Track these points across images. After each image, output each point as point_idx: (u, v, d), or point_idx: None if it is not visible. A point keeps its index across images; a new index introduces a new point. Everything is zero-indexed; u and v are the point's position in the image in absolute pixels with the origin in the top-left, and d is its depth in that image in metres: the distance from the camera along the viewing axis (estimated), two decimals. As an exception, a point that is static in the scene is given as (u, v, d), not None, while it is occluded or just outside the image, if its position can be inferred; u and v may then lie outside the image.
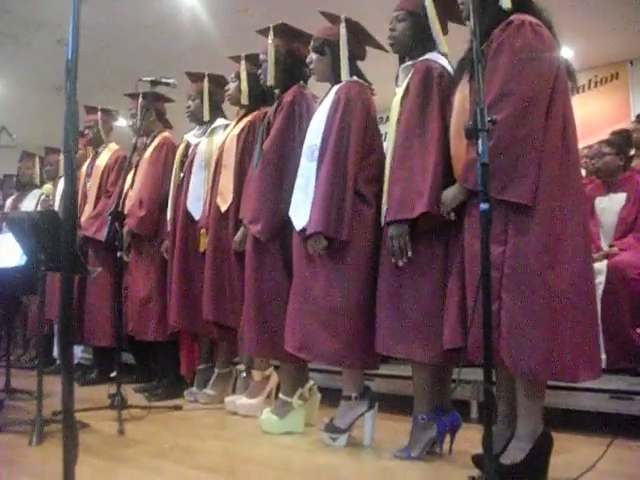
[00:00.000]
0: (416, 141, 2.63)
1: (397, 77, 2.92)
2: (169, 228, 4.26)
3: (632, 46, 6.96)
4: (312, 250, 2.91)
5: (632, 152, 5.13)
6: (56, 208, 5.43)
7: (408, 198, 2.58)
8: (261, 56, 3.54)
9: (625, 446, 2.83)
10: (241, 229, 3.58)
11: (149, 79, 3.79)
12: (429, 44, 2.81)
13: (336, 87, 3.09)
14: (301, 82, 3.45)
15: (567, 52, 6.19)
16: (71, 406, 1.51)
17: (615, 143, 4.12)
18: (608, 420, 3.13)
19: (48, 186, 5.53)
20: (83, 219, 5.01)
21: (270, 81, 3.43)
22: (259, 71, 3.58)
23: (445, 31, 2.89)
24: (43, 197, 5.46)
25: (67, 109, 1.40)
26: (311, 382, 3.39)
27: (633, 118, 5.79)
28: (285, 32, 3.48)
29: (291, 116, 3.32)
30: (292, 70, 3.45)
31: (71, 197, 1.44)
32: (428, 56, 2.77)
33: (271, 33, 3.45)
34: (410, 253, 2.61)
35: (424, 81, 2.69)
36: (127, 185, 4.50)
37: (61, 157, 6.09)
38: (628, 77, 7.43)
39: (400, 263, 2.64)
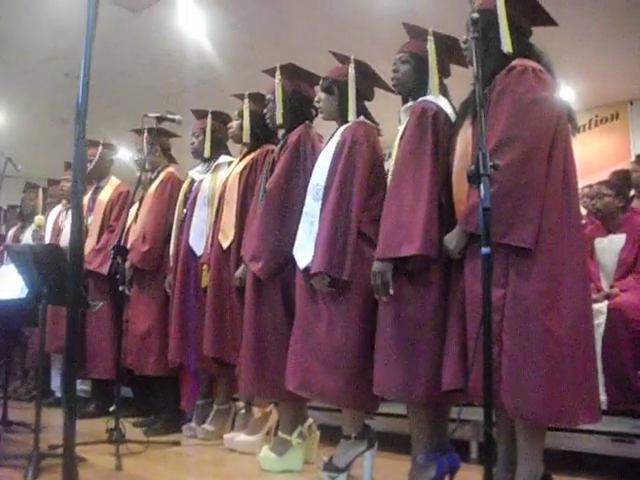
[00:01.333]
0: (408, 180, 2.65)
1: (400, 118, 2.96)
2: (172, 263, 4.28)
3: (632, 86, 7.02)
4: (318, 288, 2.92)
5: (632, 192, 5.17)
6: (47, 240, 5.45)
7: (396, 237, 2.60)
8: (267, 95, 3.57)
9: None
10: (242, 266, 3.57)
11: (155, 115, 3.84)
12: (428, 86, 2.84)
13: (343, 127, 3.12)
14: (307, 122, 3.48)
15: (568, 92, 6.25)
16: (72, 444, 1.50)
17: (615, 184, 4.15)
18: (610, 463, 3.10)
19: (40, 217, 5.61)
20: (85, 252, 5.01)
21: (278, 120, 3.46)
22: (265, 110, 3.61)
23: (447, 74, 2.94)
24: (34, 228, 5.51)
25: (76, 151, 1.42)
26: (310, 420, 3.38)
27: (633, 158, 5.84)
28: (292, 72, 3.52)
29: (296, 155, 3.34)
30: (298, 109, 3.48)
31: (78, 236, 1.46)
32: (427, 97, 2.81)
33: (278, 72, 3.48)
34: (392, 291, 2.62)
35: (419, 122, 2.72)
36: (130, 219, 4.52)
37: (40, 192, 6.20)
38: (628, 117, 7.48)
39: (383, 299, 2.65)
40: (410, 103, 2.89)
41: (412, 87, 2.89)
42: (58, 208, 5.76)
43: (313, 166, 3.21)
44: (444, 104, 2.80)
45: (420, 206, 2.58)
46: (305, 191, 3.17)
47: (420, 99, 2.82)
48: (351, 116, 3.08)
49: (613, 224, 4.05)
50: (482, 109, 1.96)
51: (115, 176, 5.37)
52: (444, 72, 2.91)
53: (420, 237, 2.53)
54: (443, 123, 2.72)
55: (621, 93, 7.26)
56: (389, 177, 2.86)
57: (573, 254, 2.33)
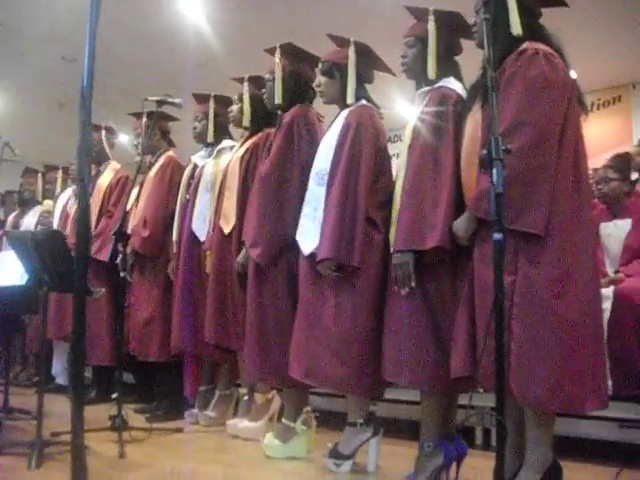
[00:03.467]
0: (429, 171, 2.61)
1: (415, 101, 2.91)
2: (175, 249, 4.24)
3: (635, 69, 7.01)
4: (325, 274, 2.88)
5: (635, 176, 5.13)
6: (55, 225, 5.42)
7: (418, 229, 2.56)
8: (266, 75, 3.54)
9: (635, 477, 2.80)
10: (243, 251, 3.54)
11: (155, 98, 3.78)
12: (444, 69, 2.79)
13: (346, 111, 3.08)
14: (305, 103, 3.43)
15: (571, 74, 6.19)
16: (81, 433, 1.47)
17: (620, 168, 4.10)
18: (617, 449, 3.10)
19: (49, 202, 5.54)
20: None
21: (277, 100, 3.41)
22: (263, 91, 3.58)
23: (458, 51, 2.89)
24: (43, 214, 5.46)
25: (81, 138, 1.38)
26: (307, 407, 3.34)
27: (635, 141, 5.81)
28: (292, 52, 3.48)
29: (290, 137, 3.29)
30: (296, 90, 3.44)
31: (84, 223, 1.43)
32: (443, 82, 2.76)
33: (278, 52, 3.44)
34: (414, 283, 2.60)
35: (439, 109, 2.68)
36: (131, 204, 4.48)
37: (59, 175, 6.12)
38: (631, 100, 7.48)
39: (403, 292, 2.63)
40: (425, 88, 2.83)
41: (422, 70, 2.81)
42: (68, 192, 5.72)
43: (310, 147, 3.19)
44: (459, 88, 2.75)
45: (442, 199, 2.54)
46: (301, 172, 3.15)
47: (438, 84, 2.76)
48: (349, 99, 3.04)
49: (619, 209, 4.01)
50: (494, 93, 1.92)
51: (115, 161, 5.33)
52: (454, 50, 2.88)
53: (441, 229, 2.50)
54: (462, 110, 2.66)
55: (624, 76, 7.24)
56: (401, 162, 2.80)
57: (583, 240, 2.30)
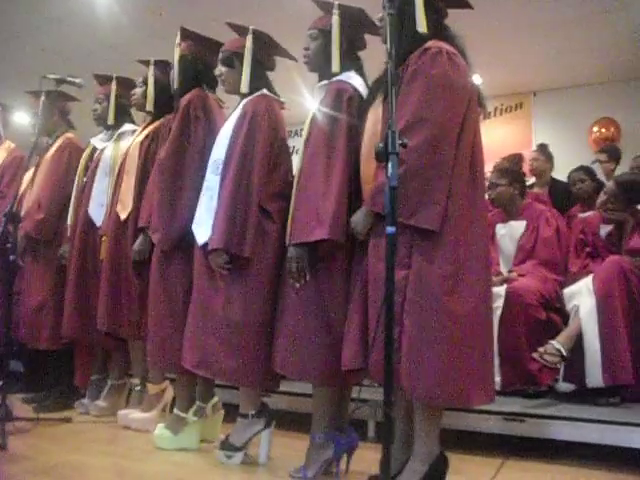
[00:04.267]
0: (321, 163, 2.62)
1: (314, 94, 2.91)
2: (69, 233, 4.09)
3: (536, 78, 7.27)
4: (215, 265, 2.85)
5: (532, 180, 5.32)
6: None
7: (309, 222, 2.57)
8: (172, 61, 3.46)
9: (516, 467, 2.93)
10: (140, 237, 3.46)
11: (54, 76, 3.64)
12: (345, 63, 2.79)
13: (244, 101, 3.05)
14: (204, 87, 3.38)
15: (475, 79, 6.33)
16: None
17: (508, 171, 4.15)
18: (501, 441, 3.19)
19: None
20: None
21: (175, 84, 3.36)
22: (172, 77, 3.50)
23: (362, 46, 2.91)
24: None
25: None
26: (215, 398, 3.32)
27: (534, 147, 6.02)
28: (190, 36, 3.42)
29: (186, 120, 3.25)
30: (195, 75, 3.39)
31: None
32: (342, 76, 2.77)
33: (178, 36, 3.39)
34: (308, 277, 2.61)
35: (334, 103, 2.69)
36: (24, 186, 4.30)
37: None
38: (531, 107, 7.74)
39: (297, 285, 2.63)
40: (324, 81, 2.83)
41: (323, 64, 2.82)
42: None
43: (208, 131, 3.17)
44: (358, 83, 2.77)
45: (331, 191, 2.55)
46: (200, 158, 3.12)
47: (335, 78, 2.77)
48: (244, 88, 3.02)
49: (514, 211, 4.13)
50: (393, 87, 1.93)
51: (11, 141, 5.08)
52: (357, 45, 2.89)
53: (329, 222, 2.50)
54: (357, 105, 2.69)
55: (526, 84, 7.48)
56: (299, 155, 2.80)
57: (477, 237, 2.35)
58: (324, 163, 2.61)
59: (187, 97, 3.29)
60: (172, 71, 3.43)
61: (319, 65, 2.86)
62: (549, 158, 5.40)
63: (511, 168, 4.25)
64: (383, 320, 1.82)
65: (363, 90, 2.75)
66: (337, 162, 2.59)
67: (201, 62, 3.39)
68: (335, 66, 2.75)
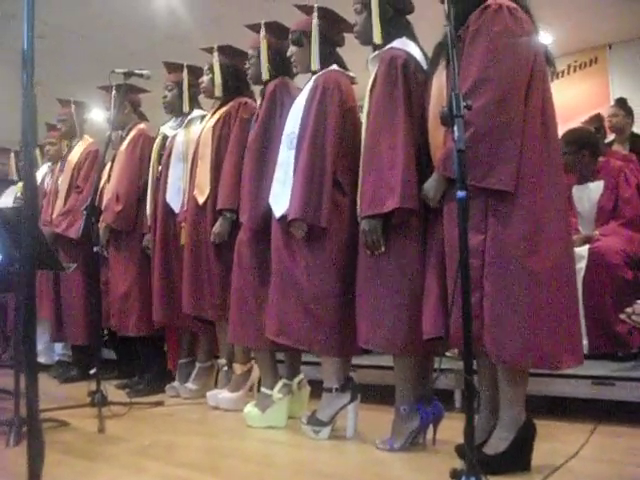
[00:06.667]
0: (383, 135, 2.61)
1: (369, 67, 2.88)
2: (149, 222, 4.21)
3: (610, 30, 6.94)
4: (296, 234, 2.90)
5: (612, 137, 5.13)
6: (32, 204, 5.33)
7: (379, 193, 2.57)
8: (249, 51, 3.54)
9: (608, 432, 2.84)
10: (219, 220, 3.55)
11: (122, 71, 3.73)
12: (395, 31, 2.77)
13: (315, 76, 3.08)
14: (287, 77, 3.44)
15: (546, 38, 6.15)
16: (36, 407, 1.46)
17: (571, 142, 3.99)
18: (591, 406, 3.12)
19: (21, 185, 5.44)
20: (54, 216, 4.93)
21: (265, 75, 3.42)
22: (247, 65, 3.57)
23: (408, 10, 2.87)
24: (17, 195, 5.38)
25: (24, 101, 1.34)
26: (301, 375, 3.36)
27: (612, 102, 5.79)
28: (276, 29, 3.47)
29: (272, 105, 3.33)
30: (280, 65, 3.43)
31: (31, 193, 1.39)
32: (394, 44, 2.74)
33: (263, 29, 3.44)
34: (383, 248, 2.61)
35: (388, 71, 2.66)
36: (104, 179, 4.43)
37: (12, 155, 6.01)
38: (607, 61, 7.41)
39: (374, 254, 2.63)
40: (376, 52, 2.81)
41: (371, 35, 2.78)
42: (43, 170, 5.62)
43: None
44: (412, 49, 2.73)
45: (397, 160, 2.54)
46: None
47: (387, 46, 2.74)
48: (314, 65, 3.06)
49: (588, 174, 3.99)
50: (454, 49, 1.89)
51: (90, 136, 5.24)
52: (404, 9, 2.85)
53: (399, 191, 2.49)
54: (414, 69, 2.66)
55: (599, 37, 7.16)
56: (364, 129, 2.79)
57: (553, 195, 2.28)
58: (386, 134, 2.60)
59: (272, 85, 3.36)
60: (252, 60, 3.51)
61: (369, 38, 2.82)
62: (629, 113, 5.19)
63: (575, 139, 4.06)
64: (460, 286, 1.80)
65: (418, 55, 2.72)
66: (399, 131, 2.57)
67: (285, 52, 3.41)
68: (376, 37, 2.74)
